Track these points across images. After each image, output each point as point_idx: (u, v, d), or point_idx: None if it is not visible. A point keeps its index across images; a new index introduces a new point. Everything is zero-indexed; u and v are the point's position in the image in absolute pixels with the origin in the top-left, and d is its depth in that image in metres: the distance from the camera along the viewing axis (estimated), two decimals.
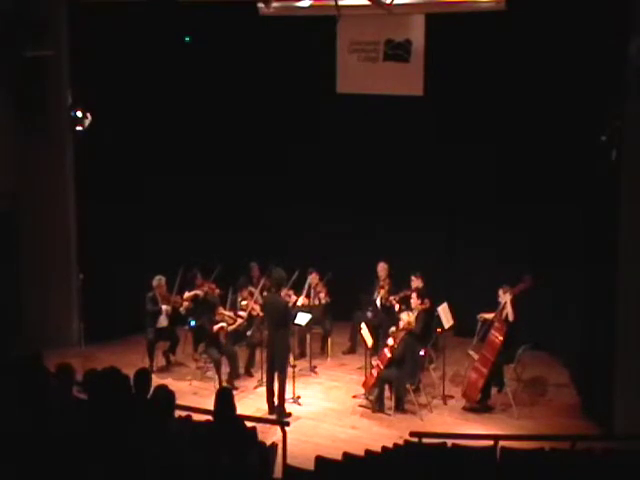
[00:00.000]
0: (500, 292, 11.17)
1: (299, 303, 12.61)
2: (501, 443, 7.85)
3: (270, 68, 14.01)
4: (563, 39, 11.63)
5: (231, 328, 11.98)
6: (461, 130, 13.31)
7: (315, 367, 12.51)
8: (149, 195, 13.61)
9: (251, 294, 12.48)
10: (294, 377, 11.24)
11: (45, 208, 12.92)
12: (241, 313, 12.17)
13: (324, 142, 14.10)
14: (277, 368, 10.78)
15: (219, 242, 13.74)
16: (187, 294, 12.50)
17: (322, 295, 13.06)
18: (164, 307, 12.28)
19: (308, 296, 12.99)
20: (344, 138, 13.98)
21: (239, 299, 12.32)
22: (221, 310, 12.01)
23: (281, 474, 7.56)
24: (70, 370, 6.88)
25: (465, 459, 7.59)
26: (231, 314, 12.08)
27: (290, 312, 11.31)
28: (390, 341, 11.01)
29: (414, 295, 11.66)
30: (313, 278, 13.07)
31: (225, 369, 11.83)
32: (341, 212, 14.06)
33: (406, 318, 11.13)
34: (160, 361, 12.58)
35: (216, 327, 11.82)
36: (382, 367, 10.89)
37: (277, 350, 10.78)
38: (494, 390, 11.12)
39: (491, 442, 7.87)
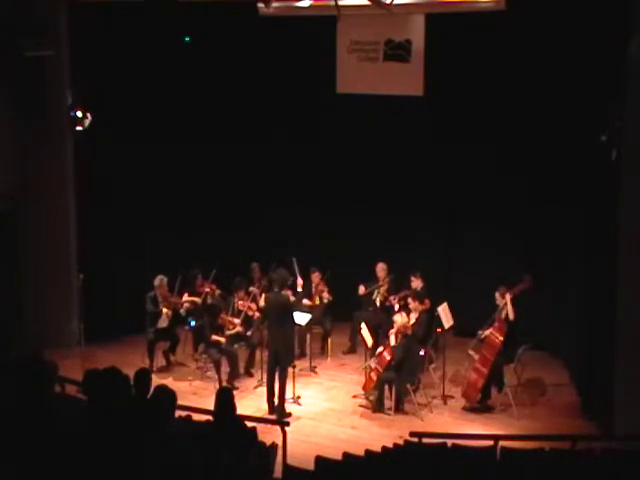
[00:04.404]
0: (497, 295, 11.17)
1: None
2: (501, 443, 7.86)
3: (270, 68, 14.00)
4: (563, 39, 11.64)
5: (229, 333, 11.97)
6: (461, 130, 13.32)
7: (315, 367, 12.51)
8: (149, 195, 13.61)
9: (248, 294, 12.47)
10: (294, 377, 11.23)
11: (45, 208, 12.92)
12: (236, 321, 12.14)
13: (324, 142, 14.10)
14: (278, 368, 10.78)
15: (219, 242, 13.72)
16: (186, 297, 12.49)
17: (324, 294, 13.07)
18: (164, 310, 12.28)
19: (311, 297, 13.02)
20: (344, 138, 13.98)
21: (235, 299, 12.32)
22: (223, 316, 11.99)
23: (281, 474, 7.57)
24: (52, 367, 6.84)
25: (465, 459, 7.59)
26: (232, 319, 12.07)
27: (293, 312, 11.30)
28: (392, 340, 11.00)
29: (410, 299, 11.66)
30: (315, 277, 13.08)
31: (225, 369, 11.83)
32: (341, 212, 14.06)
33: (400, 320, 11.10)
34: (160, 361, 12.59)
35: (214, 337, 11.80)
36: (381, 370, 10.89)
37: (278, 350, 10.78)
38: (494, 390, 11.12)
39: (491, 442, 7.87)
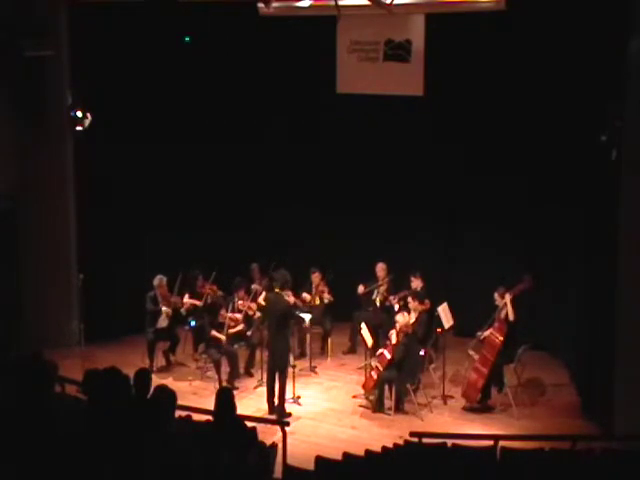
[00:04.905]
0: (496, 295, 11.16)
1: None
2: (501, 443, 7.86)
3: (270, 68, 14.00)
4: (563, 39, 11.64)
5: (231, 331, 11.99)
6: (461, 130, 13.32)
7: (315, 367, 12.51)
8: (149, 195, 13.61)
9: (248, 294, 12.48)
10: (294, 377, 11.23)
11: (45, 208, 12.92)
12: (237, 316, 12.17)
13: (324, 142, 14.10)
14: (278, 368, 10.79)
15: (219, 242, 13.73)
16: (187, 299, 12.48)
17: (325, 294, 13.07)
18: (164, 308, 12.29)
19: (310, 293, 13.01)
20: (344, 138, 13.98)
21: (235, 299, 12.32)
22: (223, 313, 12.02)
23: (281, 474, 7.57)
24: (52, 367, 6.83)
25: (465, 459, 7.59)
26: (233, 316, 12.08)
27: (292, 312, 11.31)
28: (393, 338, 11.01)
29: (410, 298, 11.65)
30: (315, 277, 13.08)
31: (225, 369, 11.83)
32: (341, 212, 14.06)
33: (402, 319, 11.11)
34: (160, 361, 12.59)
35: (213, 333, 11.82)
36: (381, 369, 10.89)
37: (278, 350, 10.79)
38: (494, 390, 11.12)
39: (491, 442, 7.87)
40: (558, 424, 10.43)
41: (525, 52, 12.35)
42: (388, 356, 10.91)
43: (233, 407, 7.10)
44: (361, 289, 12.87)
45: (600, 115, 10.12)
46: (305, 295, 12.90)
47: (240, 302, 12.29)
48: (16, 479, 5.68)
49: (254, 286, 12.78)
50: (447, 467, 7.45)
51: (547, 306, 12.57)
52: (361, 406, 11.16)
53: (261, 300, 11.99)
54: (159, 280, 12.38)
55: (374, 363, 11.10)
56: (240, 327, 12.11)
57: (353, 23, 13.21)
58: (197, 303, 12.37)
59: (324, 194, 14.19)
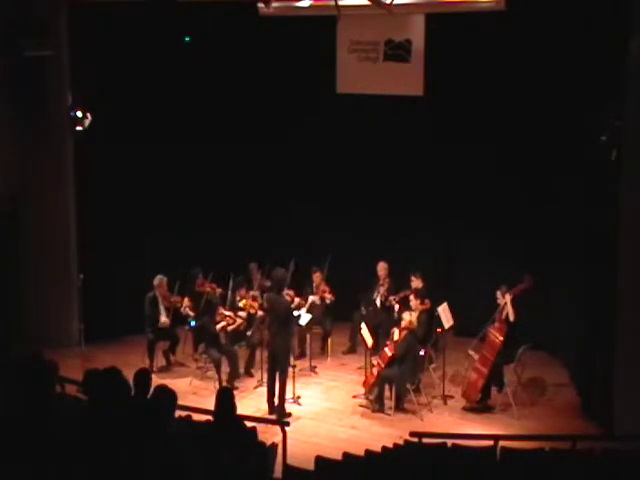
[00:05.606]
0: (498, 294, 11.17)
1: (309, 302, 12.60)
2: (501, 443, 7.86)
3: (270, 68, 14.01)
4: (563, 39, 11.65)
5: (231, 328, 12.00)
6: (461, 130, 13.32)
7: (315, 367, 12.51)
8: (149, 195, 13.60)
9: (248, 292, 12.49)
10: (294, 377, 11.23)
11: (45, 208, 12.92)
12: (240, 313, 12.18)
13: (324, 142, 14.09)
14: (278, 368, 10.79)
15: (219, 242, 13.73)
16: (186, 302, 12.43)
17: (326, 294, 13.06)
18: (162, 320, 12.27)
19: (312, 293, 12.97)
20: (344, 138, 13.98)
21: (237, 298, 12.32)
22: (221, 310, 12.03)
23: (281, 474, 7.57)
24: (52, 367, 6.82)
25: (465, 459, 7.59)
26: (231, 314, 12.09)
27: (292, 312, 11.31)
28: (396, 335, 11.01)
29: (412, 296, 11.66)
30: (316, 277, 13.06)
31: (225, 369, 11.83)
32: (341, 212, 14.06)
33: (408, 317, 11.14)
34: (160, 361, 12.59)
35: (219, 326, 11.84)
36: (383, 366, 10.89)
37: (279, 350, 10.79)
38: (494, 390, 11.12)
39: (491, 442, 7.87)
40: (558, 424, 10.43)
41: (525, 52, 12.36)
42: (389, 353, 10.91)
43: (233, 407, 7.10)
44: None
45: (600, 115, 10.12)
46: (312, 298, 12.83)
47: (243, 302, 12.29)
48: (16, 479, 5.69)
49: (252, 293, 12.76)
50: (447, 467, 7.46)
51: (547, 306, 12.57)
52: (361, 406, 11.16)
53: (257, 296, 12.01)
54: (159, 280, 12.38)
55: (375, 360, 11.10)
56: (239, 322, 12.10)
57: (353, 23, 13.22)
58: (192, 314, 12.30)
59: (324, 194, 14.18)
